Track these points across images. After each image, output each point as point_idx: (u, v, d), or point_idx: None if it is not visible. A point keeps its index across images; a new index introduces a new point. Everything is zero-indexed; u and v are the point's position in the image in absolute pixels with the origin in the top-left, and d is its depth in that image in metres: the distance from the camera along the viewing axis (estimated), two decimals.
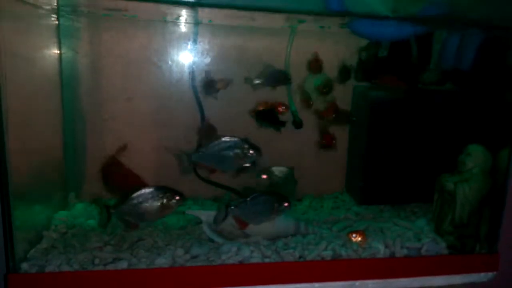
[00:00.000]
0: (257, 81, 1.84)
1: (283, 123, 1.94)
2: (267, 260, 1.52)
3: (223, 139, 1.55)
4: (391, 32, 1.84)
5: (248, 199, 1.54)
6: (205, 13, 1.82)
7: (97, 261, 1.45)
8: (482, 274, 1.66)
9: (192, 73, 1.91)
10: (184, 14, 1.80)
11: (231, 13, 1.69)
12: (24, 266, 1.39)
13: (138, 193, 1.46)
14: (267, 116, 1.91)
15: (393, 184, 2.05)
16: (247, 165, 1.59)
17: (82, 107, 1.93)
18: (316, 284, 1.53)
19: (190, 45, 1.91)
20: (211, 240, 1.62)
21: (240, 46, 1.98)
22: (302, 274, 1.52)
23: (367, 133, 2.03)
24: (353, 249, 1.59)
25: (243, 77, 1.87)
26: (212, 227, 1.66)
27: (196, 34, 1.90)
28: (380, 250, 1.60)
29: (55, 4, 1.68)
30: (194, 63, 1.92)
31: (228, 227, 1.65)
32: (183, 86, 1.93)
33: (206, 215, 1.71)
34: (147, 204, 1.46)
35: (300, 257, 1.55)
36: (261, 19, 1.83)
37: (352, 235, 1.61)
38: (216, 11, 1.72)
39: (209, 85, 1.86)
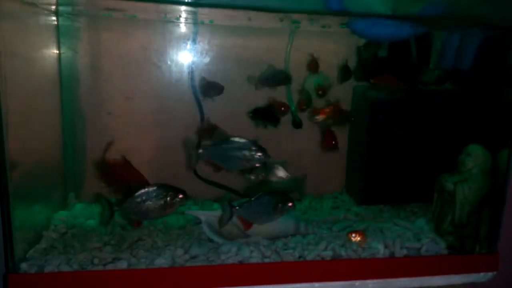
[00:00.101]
0: (259, 81, 1.85)
1: (277, 119, 1.92)
2: (266, 260, 1.52)
3: (233, 138, 1.56)
4: (391, 32, 1.84)
5: (253, 199, 1.54)
6: (206, 14, 1.82)
7: (96, 261, 1.45)
8: (482, 274, 1.66)
9: (191, 73, 1.91)
10: (185, 14, 1.80)
11: (232, 13, 1.69)
12: (24, 266, 1.39)
13: (142, 191, 1.47)
14: (263, 113, 1.90)
15: (393, 184, 2.05)
16: (257, 165, 1.59)
17: (82, 106, 1.93)
18: (316, 284, 1.53)
19: (190, 45, 1.91)
20: (211, 240, 1.62)
21: (241, 46, 1.98)
22: (302, 274, 1.52)
23: (367, 133, 2.03)
24: (353, 249, 1.59)
25: (244, 77, 1.87)
26: (215, 227, 1.66)
27: (195, 33, 1.90)
28: (380, 250, 1.60)
29: (55, 3, 1.68)
30: (193, 63, 1.92)
31: (227, 227, 1.65)
32: (182, 86, 1.93)
33: (206, 215, 1.71)
34: (150, 202, 1.47)
35: (299, 257, 1.55)
36: (261, 19, 1.83)
37: (352, 235, 1.61)
38: (217, 11, 1.71)
39: (206, 90, 1.87)
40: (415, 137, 2.00)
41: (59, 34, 1.83)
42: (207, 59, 1.92)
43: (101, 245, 1.54)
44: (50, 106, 1.80)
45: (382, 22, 1.76)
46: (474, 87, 2.01)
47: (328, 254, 1.56)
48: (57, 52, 1.83)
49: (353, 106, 2.11)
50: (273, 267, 1.50)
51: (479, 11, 1.62)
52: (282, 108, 1.95)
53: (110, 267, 1.43)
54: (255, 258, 1.51)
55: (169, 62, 1.92)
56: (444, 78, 2.06)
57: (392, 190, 2.06)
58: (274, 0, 1.50)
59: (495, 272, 1.66)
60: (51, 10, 1.76)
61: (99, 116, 1.94)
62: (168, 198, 1.47)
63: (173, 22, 1.89)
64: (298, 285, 1.52)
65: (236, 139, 1.56)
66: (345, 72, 2.01)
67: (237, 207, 1.52)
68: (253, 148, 1.55)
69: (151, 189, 1.47)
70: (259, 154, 1.56)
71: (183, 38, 1.91)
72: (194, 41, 1.90)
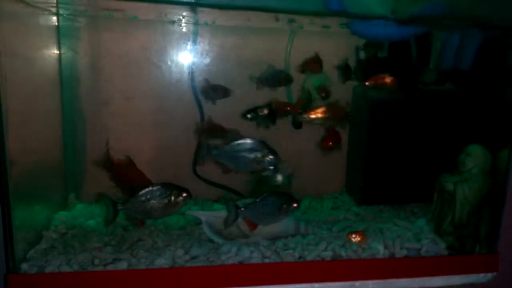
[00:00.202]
0: (259, 81, 1.85)
1: (271, 119, 1.92)
2: (266, 260, 1.52)
3: (244, 140, 1.56)
4: (391, 32, 1.84)
5: (258, 200, 1.54)
6: (208, 14, 1.82)
7: (96, 261, 1.45)
8: (482, 274, 1.66)
9: (191, 73, 1.91)
10: (186, 14, 1.80)
11: (233, 13, 1.69)
12: (24, 266, 1.39)
13: (146, 190, 1.47)
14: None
15: (393, 184, 2.05)
16: (270, 167, 1.59)
17: (82, 107, 1.93)
18: (316, 285, 1.53)
19: (190, 45, 1.91)
20: (211, 241, 1.62)
21: (241, 46, 1.98)
22: (302, 274, 1.52)
23: (367, 133, 2.03)
24: (353, 250, 1.59)
25: (243, 77, 1.87)
26: (215, 227, 1.66)
27: (195, 34, 1.90)
28: (380, 250, 1.60)
29: (55, 4, 1.68)
30: (194, 63, 1.92)
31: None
32: (183, 86, 1.93)
33: (206, 215, 1.71)
34: (154, 201, 1.47)
35: (300, 257, 1.55)
36: (261, 19, 1.83)
37: (352, 235, 1.61)
38: (219, 12, 1.72)
39: (208, 92, 1.87)
40: (415, 137, 2.00)
41: (60, 34, 1.83)
42: (207, 59, 1.92)
43: (101, 246, 1.54)
44: (50, 106, 1.80)
45: (382, 22, 1.75)
46: (474, 87, 2.01)
47: (328, 254, 1.56)
48: (58, 52, 1.83)
49: (353, 106, 2.11)
50: (273, 267, 1.50)
51: (479, 11, 1.62)
52: (288, 108, 1.94)
53: (110, 267, 1.43)
54: (255, 259, 1.51)
55: (169, 62, 1.92)
56: (444, 78, 2.06)
57: (392, 190, 2.06)
58: (274, 1, 1.50)
59: (495, 273, 1.66)
60: (51, 11, 1.76)
61: (99, 116, 1.94)
62: (172, 197, 1.48)
63: (174, 22, 1.89)
64: (298, 285, 1.52)
65: (248, 140, 1.56)
66: (345, 72, 2.00)
67: (242, 209, 1.52)
68: (265, 151, 1.55)
69: (155, 188, 1.48)
70: (271, 156, 1.55)
71: (183, 38, 1.91)
72: (194, 41, 1.90)
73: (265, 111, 1.85)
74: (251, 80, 1.86)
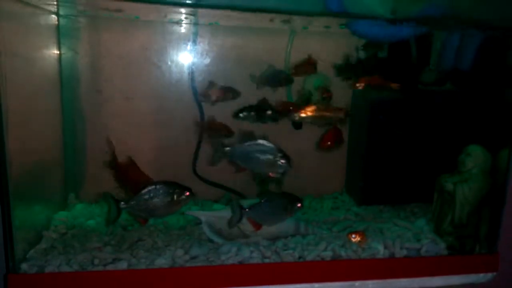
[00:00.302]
0: (259, 81, 1.86)
1: (263, 115, 1.91)
2: (266, 260, 1.52)
3: (259, 141, 1.57)
4: (390, 33, 1.84)
5: (262, 201, 1.55)
6: (209, 15, 1.82)
7: (96, 261, 1.45)
8: (482, 274, 1.66)
9: (191, 73, 1.91)
10: (188, 15, 1.80)
11: (233, 13, 1.69)
12: (24, 266, 1.39)
13: (149, 188, 1.47)
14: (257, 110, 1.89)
15: (393, 184, 2.05)
16: (280, 171, 1.59)
17: (82, 107, 1.93)
18: (316, 285, 1.53)
19: (190, 45, 1.91)
20: (211, 241, 1.63)
21: (241, 46, 1.98)
22: (302, 274, 1.52)
23: (367, 133, 2.03)
24: (353, 250, 1.59)
25: (243, 77, 1.87)
26: (215, 227, 1.66)
27: (195, 34, 1.90)
28: (380, 250, 1.60)
29: (55, 4, 1.68)
30: (194, 63, 1.92)
31: (227, 227, 1.65)
32: (183, 86, 1.93)
33: (206, 215, 1.71)
34: (157, 200, 1.47)
35: (299, 257, 1.55)
36: (261, 19, 1.83)
37: (351, 235, 1.61)
38: (220, 12, 1.72)
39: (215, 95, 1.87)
40: (415, 137, 2.00)
41: (60, 34, 1.83)
42: (207, 59, 1.92)
43: (101, 246, 1.54)
44: (50, 106, 1.81)
45: (382, 23, 1.75)
46: (474, 87, 2.01)
47: (328, 254, 1.56)
48: (58, 52, 1.83)
49: (353, 106, 2.11)
50: (273, 267, 1.50)
51: (479, 12, 1.62)
52: (291, 108, 1.94)
53: (110, 267, 1.43)
54: (255, 259, 1.51)
55: (169, 63, 1.92)
56: (444, 78, 2.06)
57: (392, 190, 2.06)
58: (275, 1, 1.50)
59: (495, 273, 1.66)
60: (51, 10, 1.76)
61: (99, 116, 1.94)
62: (175, 196, 1.48)
63: (174, 22, 1.90)
64: (298, 285, 1.52)
65: (262, 142, 1.57)
66: (345, 69, 2.00)
67: (247, 209, 1.53)
68: (278, 154, 1.56)
69: (157, 186, 1.48)
70: (283, 161, 1.56)
71: (183, 38, 1.91)
72: (194, 41, 1.90)
73: (269, 112, 1.86)
74: (251, 80, 1.86)
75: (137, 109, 1.96)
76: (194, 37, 1.90)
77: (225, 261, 1.50)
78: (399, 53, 2.03)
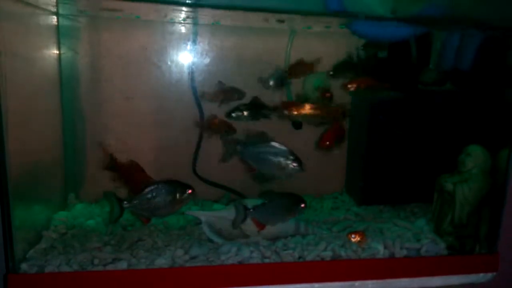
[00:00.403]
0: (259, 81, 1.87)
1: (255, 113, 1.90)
2: (266, 260, 1.52)
3: (272, 143, 1.57)
4: (390, 32, 1.84)
5: (267, 201, 1.55)
6: (210, 15, 1.82)
7: (96, 261, 1.45)
8: (482, 274, 1.66)
9: (191, 73, 1.91)
10: (190, 15, 1.80)
11: (234, 13, 1.69)
12: (24, 266, 1.39)
13: (151, 187, 1.48)
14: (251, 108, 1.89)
15: (393, 184, 2.05)
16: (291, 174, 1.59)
17: (82, 107, 1.93)
18: (316, 285, 1.53)
19: (190, 45, 1.91)
20: (211, 241, 1.63)
21: (241, 46, 1.98)
22: (302, 274, 1.52)
23: (367, 133, 2.03)
24: (353, 250, 1.59)
25: (243, 77, 1.87)
26: (215, 227, 1.66)
27: (195, 34, 1.90)
28: (380, 250, 1.60)
29: (55, 4, 1.68)
30: (194, 63, 1.92)
31: (228, 227, 1.65)
32: (183, 86, 1.93)
33: (206, 215, 1.71)
34: (160, 198, 1.48)
35: (299, 257, 1.55)
36: (262, 19, 1.83)
37: (351, 235, 1.61)
38: (222, 12, 1.72)
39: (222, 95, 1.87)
40: (415, 137, 2.00)
41: (60, 34, 1.83)
42: (207, 59, 1.92)
43: (101, 245, 1.54)
44: (50, 106, 1.80)
45: (382, 23, 1.75)
46: (474, 87, 2.01)
47: (328, 254, 1.56)
48: (58, 52, 1.83)
49: (353, 106, 2.11)
50: (273, 267, 1.50)
51: (479, 12, 1.62)
52: (293, 107, 1.94)
53: (110, 267, 1.43)
54: (255, 259, 1.51)
55: (169, 62, 1.92)
56: (444, 78, 2.06)
57: (392, 190, 2.06)
58: (275, 1, 1.50)
59: (495, 273, 1.66)
60: (51, 10, 1.76)
61: (99, 116, 1.94)
62: (178, 194, 1.49)
63: (175, 23, 1.90)
64: (298, 285, 1.52)
65: (275, 144, 1.57)
66: (343, 67, 1.99)
67: (251, 209, 1.53)
68: (290, 157, 1.55)
69: (160, 185, 1.48)
70: (295, 164, 1.56)
71: (183, 38, 1.91)
72: (194, 41, 1.90)
73: (262, 109, 1.86)
74: (260, 82, 1.86)
75: (137, 109, 1.96)
76: (194, 37, 1.90)
77: (225, 261, 1.50)
78: (399, 53, 2.03)
